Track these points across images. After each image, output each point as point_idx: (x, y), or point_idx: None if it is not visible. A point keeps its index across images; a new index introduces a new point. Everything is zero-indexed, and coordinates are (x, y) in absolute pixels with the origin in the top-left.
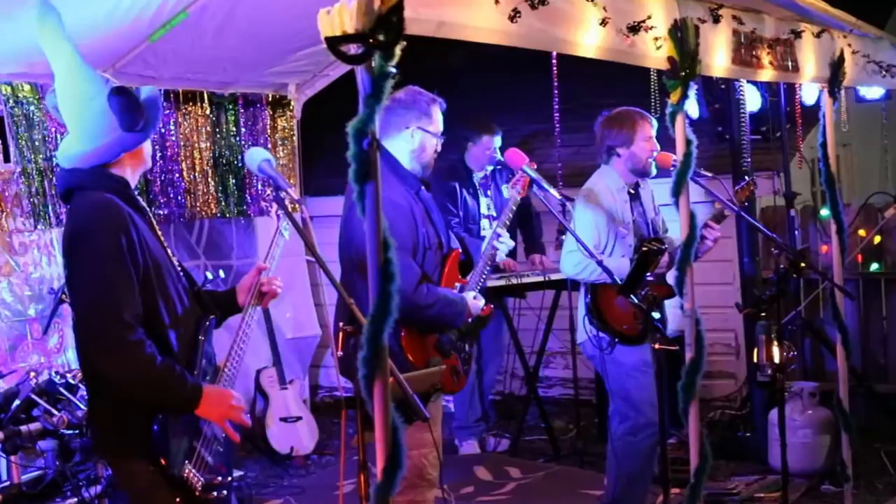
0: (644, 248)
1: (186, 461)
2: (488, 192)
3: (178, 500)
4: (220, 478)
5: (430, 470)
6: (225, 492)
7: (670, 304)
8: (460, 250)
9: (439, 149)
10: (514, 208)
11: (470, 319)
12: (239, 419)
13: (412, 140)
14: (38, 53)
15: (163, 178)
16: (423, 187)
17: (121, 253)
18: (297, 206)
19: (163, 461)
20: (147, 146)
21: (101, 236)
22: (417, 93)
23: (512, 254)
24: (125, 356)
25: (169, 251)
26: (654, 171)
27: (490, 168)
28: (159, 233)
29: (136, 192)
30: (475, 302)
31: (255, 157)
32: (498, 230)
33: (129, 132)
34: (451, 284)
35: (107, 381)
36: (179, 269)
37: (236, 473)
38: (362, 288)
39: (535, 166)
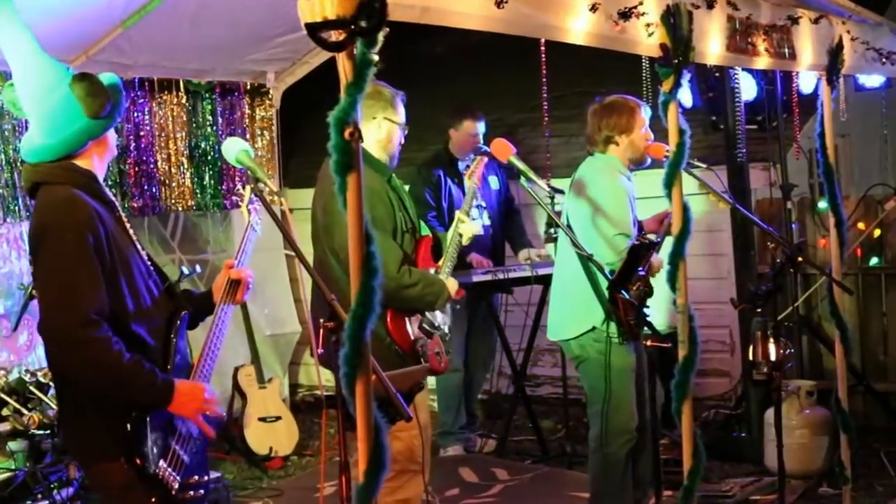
0: (635, 242)
1: (161, 460)
2: None
3: (153, 499)
4: (196, 476)
5: (420, 453)
6: (202, 491)
7: (663, 300)
8: (431, 236)
9: (403, 140)
10: (473, 197)
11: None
12: (213, 411)
13: (380, 130)
14: None
15: (137, 169)
16: (392, 175)
17: (86, 250)
18: (276, 198)
19: (138, 460)
20: (112, 134)
21: (66, 234)
22: (380, 85)
23: (499, 252)
24: (92, 354)
25: (138, 245)
26: (647, 162)
27: (474, 157)
28: (128, 227)
29: (104, 185)
30: (452, 283)
31: (233, 147)
32: (460, 216)
33: (94, 119)
34: (425, 269)
35: (75, 379)
36: (150, 263)
37: (213, 475)
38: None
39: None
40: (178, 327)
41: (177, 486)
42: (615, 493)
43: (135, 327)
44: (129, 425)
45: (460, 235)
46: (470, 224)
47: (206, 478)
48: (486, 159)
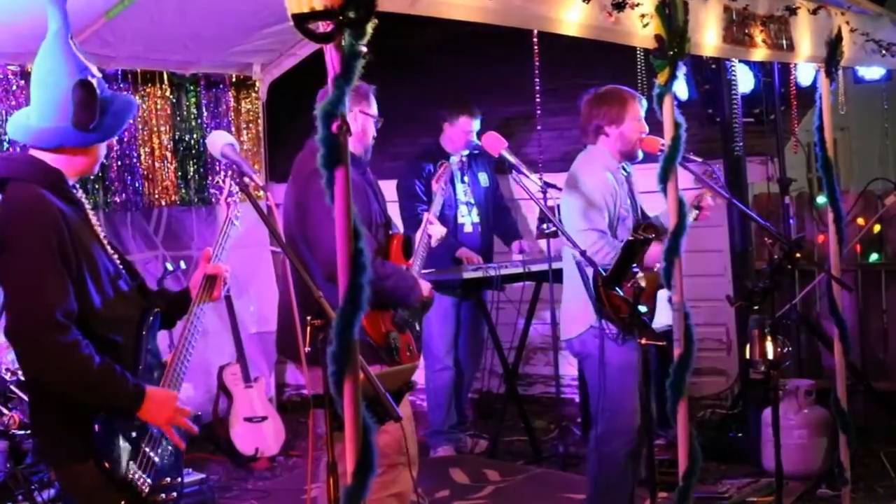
0: (630, 238)
1: (131, 462)
2: (464, 178)
3: (122, 503)
4: (168, 479)
5: (409, 444)
6: (174, 493)
7: (659, 297)
8: (402, 234)
9: (375, 133)
10: (442, 202)
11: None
12: (184, 424)
13: (356, 122)
14: None
15: (120, 163)
16: (367, 169)
17: (51, 252)
18: (262, 192)
19: (106, 463)
20: (96, 152)
21: (31, 236)
22: None
23: (489, 248)
24: (60, 358)
25: (107, 245)
26: (640, 156)
27: (466, 153)
28: (95, 226)
29: (72, 185)
30: (424, 284)
31: (218, 141)
32: (429, 217)
33: (75, 129)
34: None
35: (44, 382)
36: (120, 262)
37: (198, 476)
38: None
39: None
40: (150, 327)
41: (147, 489)
42: (614, 495)
43: (103, 328)
44: (97, 427)
45: (429, 236)
46: (438, 226)
47: (179, 480)
48: (451, 166)
